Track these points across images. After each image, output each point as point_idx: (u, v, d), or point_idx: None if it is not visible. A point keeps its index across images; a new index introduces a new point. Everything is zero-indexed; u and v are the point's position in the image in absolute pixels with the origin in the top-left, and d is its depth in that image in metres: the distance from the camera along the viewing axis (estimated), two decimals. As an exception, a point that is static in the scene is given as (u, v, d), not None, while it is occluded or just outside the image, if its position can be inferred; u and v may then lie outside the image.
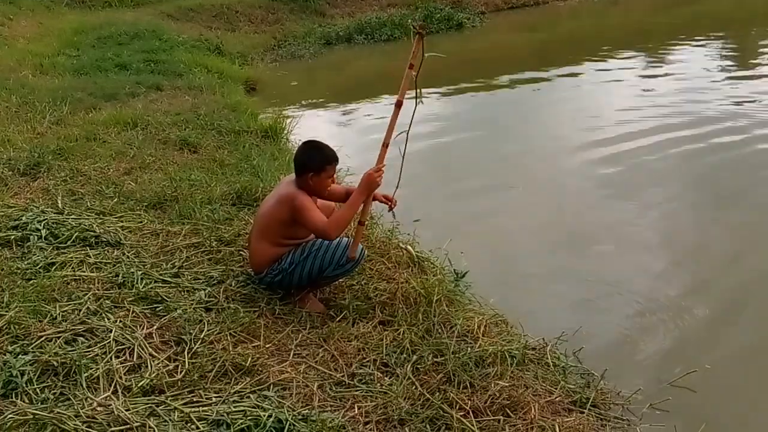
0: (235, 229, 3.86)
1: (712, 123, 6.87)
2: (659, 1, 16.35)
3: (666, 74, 9.49)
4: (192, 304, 3.05)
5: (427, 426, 2.47)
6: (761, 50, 10.98)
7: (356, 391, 2.66)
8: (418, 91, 3.03)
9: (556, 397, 2.73)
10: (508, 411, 2.58)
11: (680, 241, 4.53)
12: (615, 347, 3.40)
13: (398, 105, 3.05)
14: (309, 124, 7.79)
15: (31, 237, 3.55)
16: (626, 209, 5.07)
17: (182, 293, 3.16)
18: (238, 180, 4.65)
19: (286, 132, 6.64)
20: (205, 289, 3.19)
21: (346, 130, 7.80)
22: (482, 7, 15.35)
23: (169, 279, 3.27)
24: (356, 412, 2.51)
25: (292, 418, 2.35)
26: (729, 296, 3.84)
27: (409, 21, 2.85)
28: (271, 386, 2.59)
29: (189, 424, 2.31)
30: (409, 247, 3.79)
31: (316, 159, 3.13)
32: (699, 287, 3.93)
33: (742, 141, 6.35)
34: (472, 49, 12.60)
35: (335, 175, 3.32)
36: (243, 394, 2.51)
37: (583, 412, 2.68)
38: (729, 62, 10.34)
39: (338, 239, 3.16)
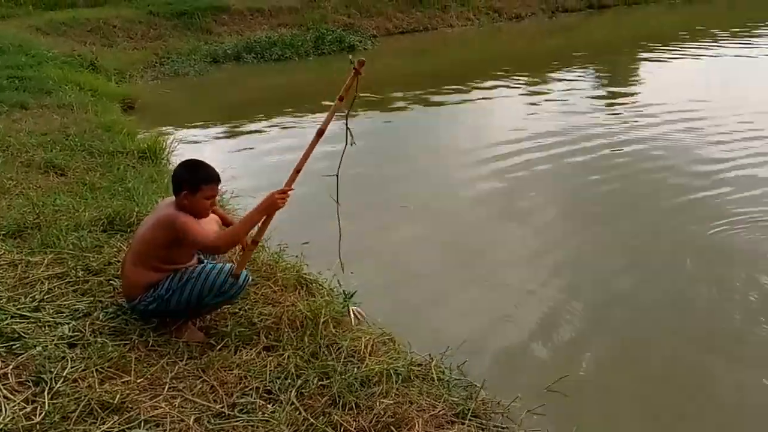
0: (105, 257, 3.61)
1: (592, 143, 7.23)
2: (539, 30, 17.45)
3: (548, 96, 9.99)
4: (53, 339, 2.80)
5: (311, 452, 2.41)
6: (631, 73, 11.93)
7: (236, 421, 2.54)
8: (350, 132, 3.01)
9: (439, 411, 2.75)
10: (393, 429, 2.57)
11: (558, 256, 4.72)
12: (497, 358, 3.52)
13: (320, 133, 2.99)
14: (193, 145, 7.53)
15: None
16: (509, 226, 5.28)
17: (43, 328, 2.90)
18: (110, 204, 4.36)
19: (166, 153, 6.37)
20: (68, 323, 2.95)
21: (234, 151, 7.59)
22: (374, 30, 15.65)
23: (27, 314, 2.98)
24: (236, 443, 2.40)
25: (164, 457, 2.21)
26: (600, 307, 4.05)
27: (350, 57, 2.93)
28: (143, 423, 2.42)
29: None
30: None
31: (191, 178, 3.00)
32: (573, 299, 4.12)
33: (620, 159, 6.74)
34: (366, 71, 12.77)
35: (217, 197, 3.19)
36: (109, 434, 2.33)
37: (465, 423, 2.72)
38: (604, 84, 11.10)
39: (221, 265, 3.04)
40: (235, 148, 7.73)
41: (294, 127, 8.57)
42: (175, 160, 6.29)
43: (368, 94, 10.08)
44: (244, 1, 15.43)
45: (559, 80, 11.08)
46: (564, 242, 4.93)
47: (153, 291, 2.99)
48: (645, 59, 12.88)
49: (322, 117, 3.11)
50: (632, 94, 10.07)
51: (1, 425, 2.29)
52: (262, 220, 3.01)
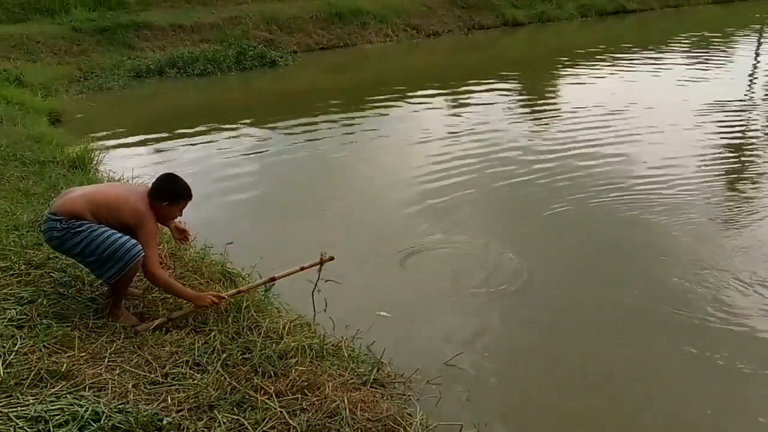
0: (44, 253, 3.94)
1: (508, 156, 7.70)
2: (454, 46, 18.00)
3: (468, 110, 10.50)
4: (3, 322, 3.15)
5: (235, 408, 2.84)
6: (546, 89, 12.61)
7: (170, 386, 2.95)
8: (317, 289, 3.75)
9: (348, 379, 3.22)
10: (306, 391, 3.02)
11: (477, 253, 5.16)
12: (404, 340, 3.97)
13: (271, 279, 3.75)
14: (120, 156, 7.76)
15: None
16: (434, 231, 5.67)
17: (-9, 313, 3.23)
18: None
19: (95, 162, 6.64)
20: (15, 308, 3.29)
21: (159, 162, 7.82)
22: (294, 46, 15.81)
23: (-25, 301, 3.31)
24: (169, 402, 2.81)
25: (108, 411, 2.61)
26: (493, 295, 4.56)
27: (321, 253, 3.49)
28: (87, 387, 2.81)
29: (8, 422, 2.47)
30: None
31: (174, 191, 3.46)
32: (467, 288, 4.65)
33: (540, 169, 7.20)
34: (287, 86, 13.12)
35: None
36: (60, 395, 2.71)
37: (369, 390, 3.19)
38: (519, 98, 11.64)
39: (134, 241, 3.26)
40: (160, 158, 7.97)
41: (213, 140, 8.89)
42: (104, 169, 6.58)
43: (292, 116, 10.47)
44: (166, 17, 15.50)
45: (478, 95, 11.49)
46: (461, 239, 5.40)
47: (75, 221, 3.20)
48: (558, 74, 13.68)
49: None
50: (546, 105, 10.79)
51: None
52: (188, 303, 3.52)
